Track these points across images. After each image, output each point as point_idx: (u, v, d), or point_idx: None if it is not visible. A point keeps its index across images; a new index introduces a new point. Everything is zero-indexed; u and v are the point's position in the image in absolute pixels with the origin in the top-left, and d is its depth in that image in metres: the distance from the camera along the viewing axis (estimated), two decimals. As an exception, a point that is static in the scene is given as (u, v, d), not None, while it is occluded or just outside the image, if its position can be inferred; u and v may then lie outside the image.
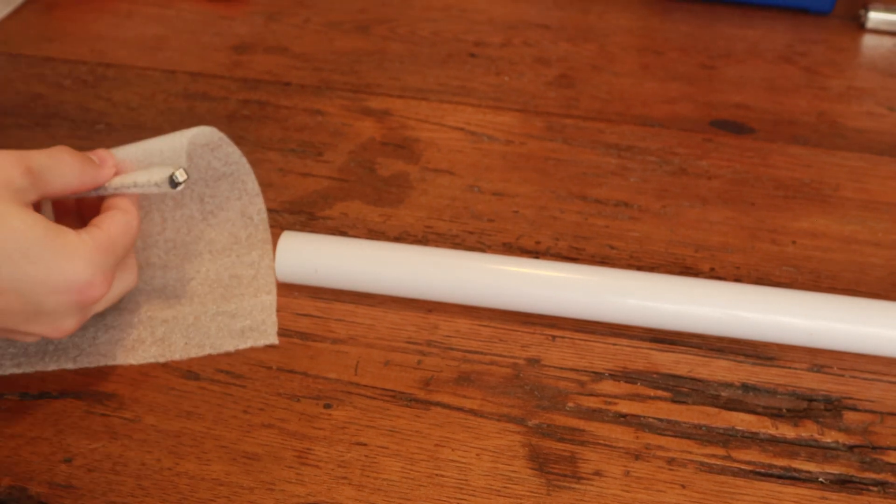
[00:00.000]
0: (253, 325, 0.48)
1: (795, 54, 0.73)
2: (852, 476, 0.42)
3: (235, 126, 0.63)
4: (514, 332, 0.48)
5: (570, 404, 0.45)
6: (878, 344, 0.46)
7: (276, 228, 0.54)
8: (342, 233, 0.54)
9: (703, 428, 0.44)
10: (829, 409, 0.45)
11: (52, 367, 0.45)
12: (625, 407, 0.45)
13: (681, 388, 0.46)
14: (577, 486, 0.41)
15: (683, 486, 0.41)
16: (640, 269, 0.52)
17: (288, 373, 0.46)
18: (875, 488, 0.41)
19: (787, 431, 0.44)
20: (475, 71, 0.70)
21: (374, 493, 0.41)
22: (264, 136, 0.62)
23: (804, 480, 0.42)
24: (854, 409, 0.45)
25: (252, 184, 0.50)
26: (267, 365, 0.46)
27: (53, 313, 0.40)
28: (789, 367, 0.47)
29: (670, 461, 0.42)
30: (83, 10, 0.77)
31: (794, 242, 0.54)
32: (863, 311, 0.46)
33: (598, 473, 0.42)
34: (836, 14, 0.78)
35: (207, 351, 0.46)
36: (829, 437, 0.43)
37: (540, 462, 0.42)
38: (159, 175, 0.44)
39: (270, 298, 0.49)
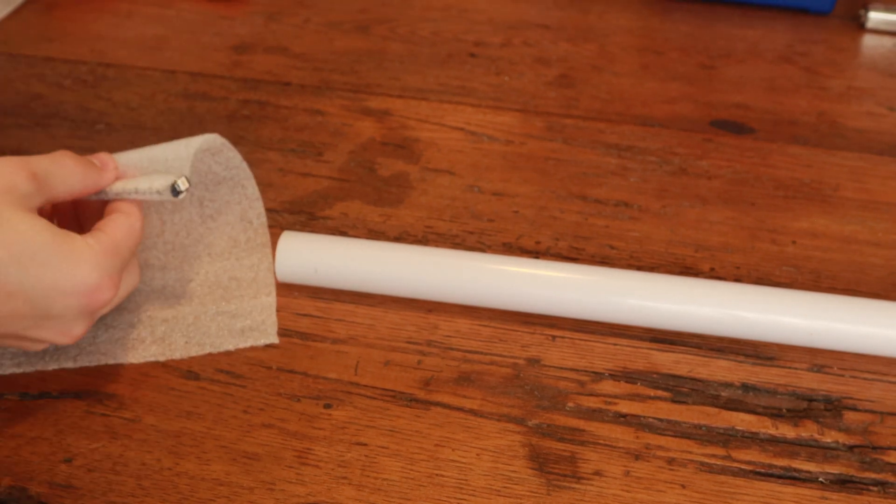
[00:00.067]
0: (253, 324, 0.48)
1: (795, 54, 0.73)
2: (852, 476, 0.42)
3: (235, 126, 0.63)
4: (514, 332, 0.48)
5: (570, 404, 0.45)
6: (878, 344, 0.46)
7: (276, 228, 0.54)
8: (342, 233, 0.54)
9: (703, 428, 0.44)
10: (829, 409, 0.45)
11: (52, 366, 0.45)
12: (625, 407, 0.45)
13: (681, 388, 0.46)
14: (577, 486, 0.41)
15: (683, 486, 0.41)
16: (640, 269, 0.52)
17: (288, 373, 0.46)
18: (875, 488, 0.41)
19: (787, 431, 0.44)
20: (475, 71, 0.70)
21: (374, 493, 0.41)
22: (264, 136, 0.62)
23: (804, 480, 0.42)
24: (854, 409, 0.45)
25: (252, 188, 0.50)
26: (267, 365, 0.46)
27: (62, 318, 0.40)
28: (789, 367, 0.47)
29: (670, 461, 0.42)
30: (83, 10, 0.77)
31: (794, 242, 0.54)
32: (863, 311, 0.46)
33: (598, 473, 0.42)
34: (836, 14, 0.78)
35: (208, 350, 0.46)
36: (829, 437, 0.43)
37: (540, 462, 0.42)
38: (161, 182, 0.44)
39: (270, 300, 0.49)
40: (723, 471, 0.42)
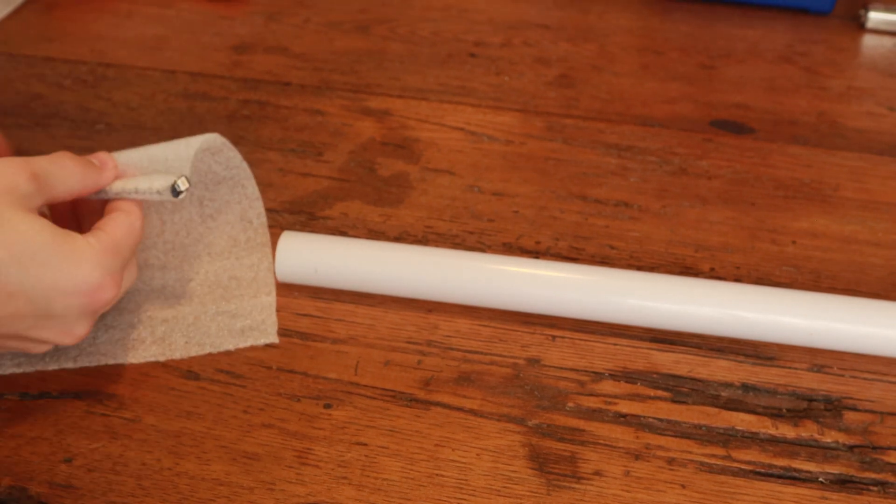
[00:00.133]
0: (253, 324, 0.48)
1: (795, 54, 0.73)
2: (852, 476, 0.42)
3: (235, 126, 0.63)
4: (514, 332, 0.48)
5: (570, 404, 0.45)
6: (878, 344, 0.46)
7: (276, 228, 0.54)
8: (342, 233, 0.54)
9: (703, 428, 0.44)
10: (829, 409, 0.45)
11: (52, 366, 0.45)
12: (625, 407, 0.45)
13: (681, 388, 0.46)
14: (577, 486, 0.41)
15: (683, 486, 0.41)
16: (640, 269, 0.52)
17: (288, 373, 0.46)
18: (875, 488, 0.41)
19: (787, 431, 0.44)
20: (475, 71, 0.70)
21: (374, 493, 0.41)
22: (264, 136, 0.62)
23: (804, 480, 0.42)
24: (854, 409, 0.45)
25: (252, 188, 0.50)
26: (267, 365, 0.46)
27: (63, 318, 0.40)
28: (789, 367, 0.47)
29: (670, 461, 0.42)
30: (83, 10, 0.77)
31: (794, 242, 0.54)
32: (863, 311, 0.46)
33: (598, 473, 0.42)
34: (836, 14, 0.78)
35: (208, 350, 0.46)
36: (829, 437, 0.43)
37: (540, 462, 0.42)
38: (161, 182, 0.44)
39: (270, 300, 0.49)
40: (723, 471, 0.42)
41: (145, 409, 0.44)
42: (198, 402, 0.44)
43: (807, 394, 0.45)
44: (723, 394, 0.45)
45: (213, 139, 0.46)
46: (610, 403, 0.45)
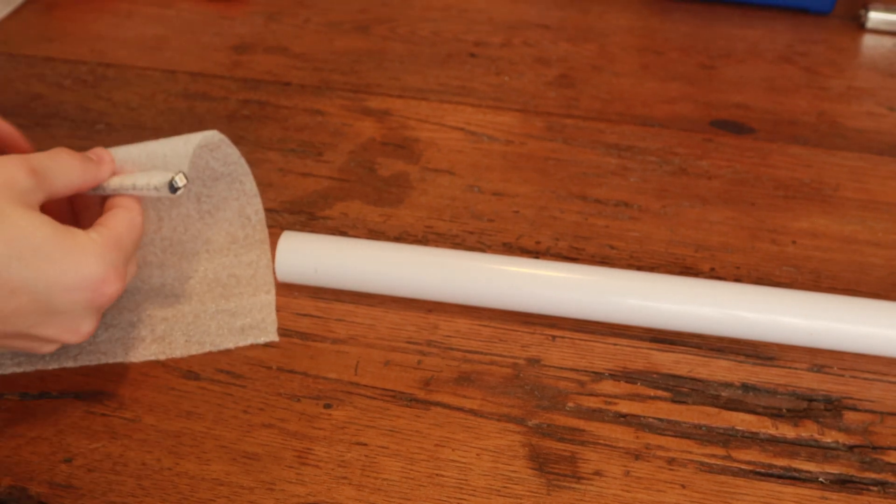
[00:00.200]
0: (253, 322, 0.48)
1: (795, 54, 0.73)
2: (852, 476, 0.42)
3: (235, 126, 0.63)
4: (514, 332, 0.48)
5: (570, 404, 0.45)
6: (878, 344, 0.46)
7: (276, 228, 0.54)
8: (342, 233, 0.54)
9: (703, 428, 0.44)
10: (829, 409, 0.45)
11: (52, 366, 0.45)
12: (625, 407, 0.45)
13: (681, 388, 0.46)
14: (577, 486, 0.41)
15: (683, 486, 0.41)
16: (640, 269, 0.52)
17: (288, 373, 0.46)
18: (875, 488, 0.41)
19: (787, 431, 0.44)
20: (475, 71, 0.70)
21: (374, 493, 0.41)
22: (264, 136, 0.62)
23: (804, 480, 0.42)
24: (854, 409, 0.45)
25: (250, 184, 0.50)
26: (267, 365, 0.46)
27: (68, 313, 0.40)
28: (789, 367, 0.47)
29: (670, 461, 0.42)
30: (83, 10, 0.77)
31: (794, 242, 0.54)
32: (863, 311, 0.46)
33: (598, 473, 0.42)
34: (836, 14, 0.78)
35: (208, 348, 0.46)
36: (829, 437, 0.43)
37: (540, 462, 0.42)
38: (159, 179, 0.44)
39: (269, 297, 0.49)
40: (723, 471, 0.42)
41: (145, 409, 0.44)
42: (198, 402, 0.44)
43: (807, 394, 0.45)
44: (723, 394, 0.45)
45: (211, 136, 0.46)
46: (610, 403, 0.45)
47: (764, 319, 0.46)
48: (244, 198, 0.50)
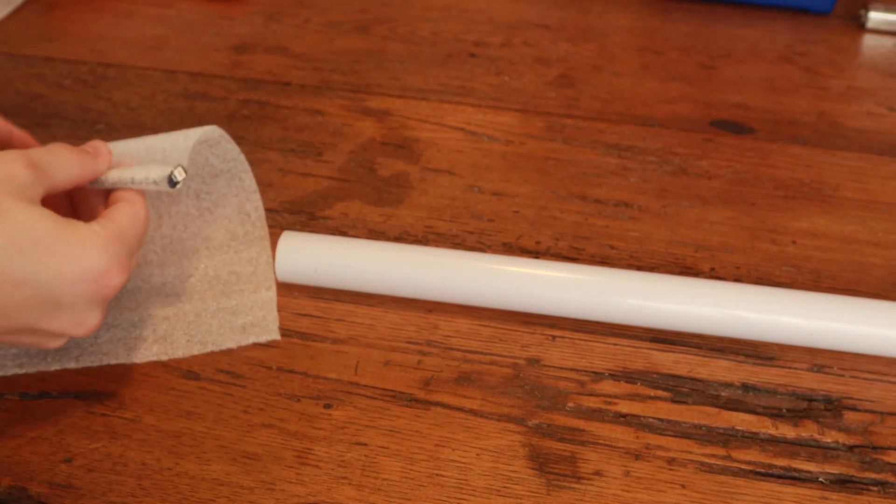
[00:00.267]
0: (254, 321, 0.48)
1: (795, 54, 0.73)
2: (852, 476, 0.42)
3: (235, 126, 0.63)
4: (514, 332, 0.48)
5: (570, 404, 0.45)
6: (878, 344, 0.46)
7: (276, 228, 0.54)
8: (342, 233, 0.54)
9: (703, 428, 0.44)
10: (829, 409, 0.45)
11: (54, 367, 0.45)
12: (625, 407, 0.45)
13: (681, 388, 0.46)
14: (577, 486, 0.41)
15: (683, 486, 0.41)
16: (640, 269, 0.52)
17: (288, 373, 0.46)
18: (875, 488, 0.41)
19: (787, 431, 0.44)
20: (475, 71, 0.70)
21: (374, 493, 0.41)
22: (264, 136, 0.62)
23: (804, 480, 0.42)
24: (854, 409, 0.45)
25: (249, 181, 0.50)
26: (267, 365, 0.46)
27: (72, 306, 0.40)
28: (789, 367, 0.47)
29: (670, 461, 0.42)
30: (83, 10, 0.77)
31: (794, 242, 0.54)
32: (863, 311, 0.46)
33: (598, 473, 0.42)
34: (836, 14, 0.78)
35: (210, 348, 0.46)
36: (829, 437, 0.43)
37: (540, 462, 0.42)
38: (157, 172, 0.43)
39: (270, 294, 0.49)
40: (723, 471, 0.42)
41: (145, 409, 0.44)
42: (198, 402, 0.44)
43: (807, 394, 0.45)
44: (723, 394, 0.45)
45: (211, 131, 0.46)
46: (610, 403, 0.45)
47: (764, 319, 0.46)
48: (243, 194, 0.50)
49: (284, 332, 0.48)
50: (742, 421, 0.44)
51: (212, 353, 0.47)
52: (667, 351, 0.47)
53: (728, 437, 0.43)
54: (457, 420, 0.44)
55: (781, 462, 0.42)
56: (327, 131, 0.63)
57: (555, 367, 0.47)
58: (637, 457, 0.42)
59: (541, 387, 0.46)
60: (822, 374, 0.46)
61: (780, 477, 0.42)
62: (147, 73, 0.68)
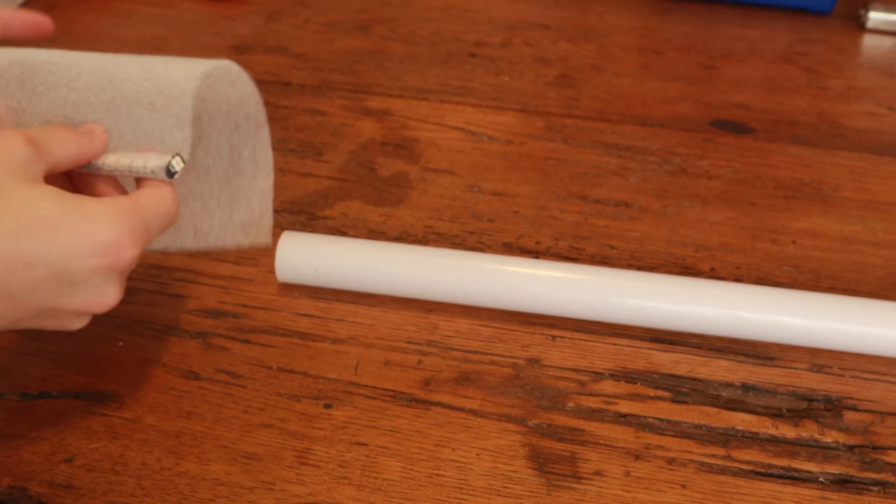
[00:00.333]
0: (251, 218, 0.46)
1: (795, 54, 0.73)
2: (852, 476, 0.42)
3: (235, 126, 0.63)
4: (514, 332, 0.48)
5: (570, 404, 0.45)
6: (878, 344, 0.46)
7: (276, 228, 0.54)
8: (342, 233, 0.54)
9: (703, 428, 0.44)
10: (829, 409, 0.45)
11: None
12: (625, 407, 0.45)
13: (681, 388, 0.46)
14: (577, 486, 0.41)
15: (683, 486, 0.41)
16: (640, 269, 0.52)
17: (288, 373, 0.46)
18: (875, 488, 0.41)
19: (787, 431, 0.44)
20: (475, 71, 0.70)
21: (374, 492, 0.41)
22: (264, 136, 0.62)
23: (804, 480, 0.42)
24: (854, 409, 0.45)
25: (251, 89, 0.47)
26: (267, 365, 0.46)
27: (88, 282, 0.39)
28: (789, 367, 0.47)
29: (670, 461, 0.42)
30: (83, 10, 0.77)
31: (794, 242, 0.54)
32: (863, 311, 0.46)
33: (598, 473, 0.42)
34: (836, 14, 0.78)
35: (212, 243, 0.45)
36: (830, 437, 0.43)
37: (540, 462, 0.42)
38: (155, 162, 0.42)
39: (268, 184, 0.47)
40: (723, 471, 0.42)
41: (145, 409, 0.44)
42: (198, 402, 0.44)
43: (807, 394, 0.45)
44: (723, 394, 0.45)
45: (226, 68, 0.44)
46: (610, 403, 0.45)
47: (764, 319, 0.46)
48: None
49: (284, 332, 0.48)
50: (742, 421, 0.44)
51: (212, 353, 0.47)
52: (667, 351, 0.47)
53: (728, 437, 0.43)
54: (457, 420, 0.44)
55: (781, 462, 0.42)
56: (327, 131, 0.63)
57: (555, 367, 0.47)
58: (637, 457, 0.42)
59: (541, 387, 0.46)
60: (822, 374, 0.46)
61: (780, 477, 0.42)
62: (147, 73, 0.68)
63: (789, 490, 0.41)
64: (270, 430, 0.43)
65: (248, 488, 0.41)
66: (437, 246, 0.53)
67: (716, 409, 0.45)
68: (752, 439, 0.43)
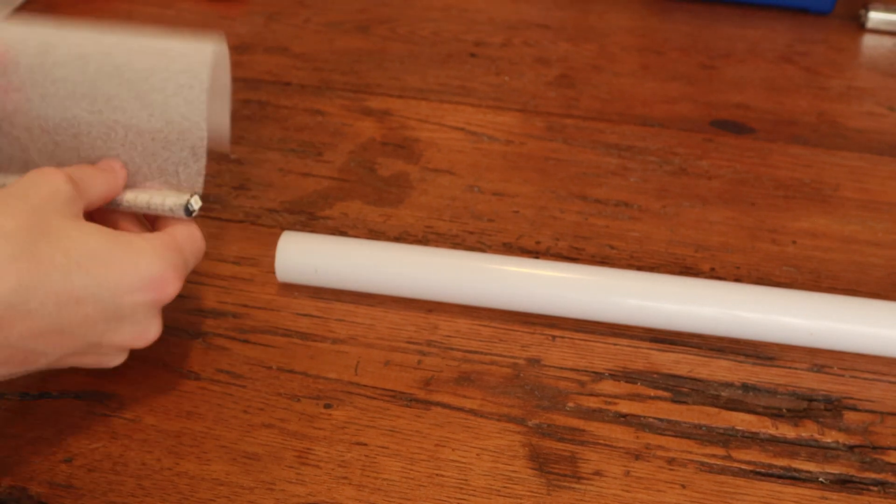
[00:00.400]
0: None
1: (795, 54, 0.73)
2: (852, 476, 0.42)
3: (235, 126, 0.63)
4: (514, 332, 0.48)
5: (570, 404, 0.45)
6: (878, 344, 0.46)
7: (276, 228, 0.54)
8: (342, 233, 0.54)
9: (703, 428, 0.44)
10: (829, 409, 0.45)
11: None
12: (625, 407, 0.45)
13: (681, 388, 0.46)
14: (577, 486, 0.41)
15: (683, 486, 0.41)
16: (640, 269, 0.52)
17: (288, 373, 0.46)
18: (875, 488, 0.41)
19: (787, 431, 0.44)
20: (475, 71, 0.70)
21: (374, 493, 0.41)
22: (264, 136, 0.62)
23: (804, 480, 0.42)
24: (854, 409, 0.45)
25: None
26: (267, 365, 0.46)
27: (133, 316, 0.40)
28: (789, 367, 0.47)
29: (670, 461, 0.42)
30: (83, 10, 0.77)
31: (794, 242, 0.54)
32: (863, 311, 0.46)
33: (598, 473, 0.42)
34: (836, 14, 0.78)
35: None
36: (830, 437, 0.43)
37: (540, 462, 0.42)
38: (173, 200, 0.43)
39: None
40: (723, 471, 0.42)
41: (145, 409, 0.44)
42: (198, 402, 0.44)
43: (807, 394, 0.45)
44: (723, 394, 0.45)
45: (214, 62, 0.43)
46: (610, 403, 0.45)
47: (764, 319, 0.46)
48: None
49: (285, 332, 0.48)
50: (742, 421, 0.44)
51: (212, 353, 0.47)
52: (667, 351, 0.47)
53: (728, 437, 0.43)
54: (457, 420, 0.44)
55: (781, 462, 0.42)
56: (327, 131, 0.63)
57: (555, 367, 0.47)
58: (637, 457, 0.42)
59: (541, 387, 0.46)
60: (822, 374, 0.46)
61: (780, 477, 0.42)
62: (147, 73, 0.68)
63: (789, 490, 0.41)
64: (270, 430, 0.43)
65: (248, 488, 0.41)
66: (437, 246, 0.53)
67: (716, 409, 0.45)
68: (752, 439, 0.43)
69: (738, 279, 0.52)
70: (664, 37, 0.75)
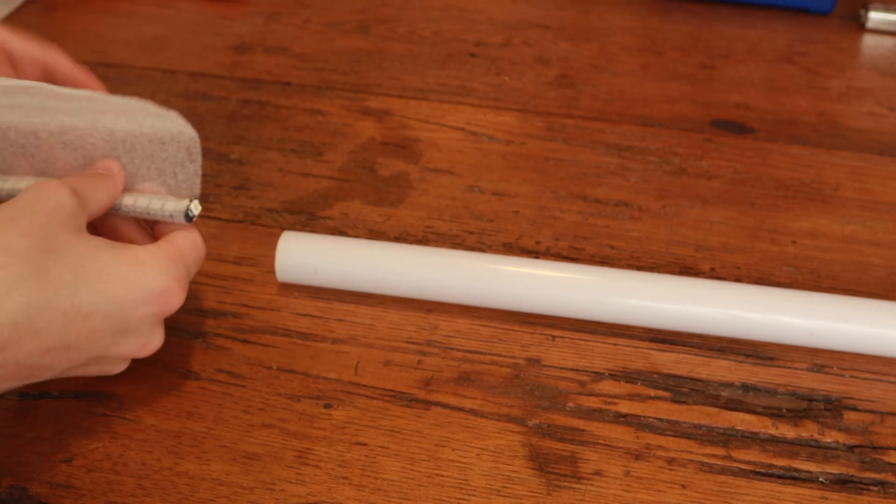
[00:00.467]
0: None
1: (795, 54, 0.73)
2: (852, 476, 0.42)
3: (235, 126, 0.63)
4: (514, 332, 0.48)
5: (570, 404, 0.45)
6: (878, 344, 0.46)
7: (276, 228, 0.54)
8: (342, 233, 0.54)
9: (703, 428, 0.44)
10: (829, 409, 0.45)
11: None
12: (625, 407, 0.45)
13: (681, 388, 0.46)
14: (577, 486, 0.41)
15: (683, 486, 0.41)
16: (640, 269, 0.52)
17: (288, 373, 0.46)
18: (875, 488, 0.41)
19: (787, 431, 0.44)
20: (475, 71, 0.70)
21: (374, 492, 0.41)
22: (264, 136, 0.62)
23: (804, 480, 0.42)
24: (854, 409, 0.45)
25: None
26: (267, 365, 0.46)
27: (139, 328, 0.40)
28: (789, 367, 0.47)
29: (670, 461, 0.42)
30: (83, 10, 0.77)
31: (794, 242, 0.54)
32: (863, 311, 0.46)
33: (598, 473, 0.42)
34: (836, 14, 0.78)
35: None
36: (830, 437, 0.43)
37: (540, 462, 0.42)
38: (173, 205, 0.43)
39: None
40: (723, 471, 0.42)
41: (145, 409, 0.44)
42: (198, 402, 0.44)
43: (807, 394, 0.45)
44: (723, 394, 0.45)
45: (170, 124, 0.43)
46: (610, 403, 0.45)
47: (764, 319, 0.46)
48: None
49: (285, 332, 0.48)
50: (742, 421, 0.44)
51: (212, 353, 0.47)
52: (667, 351, 0.47)
53: (728, 437, 0.43)
54: (457, 420, 0.44)
55: (781, 462, 0.42)
56: (327, 131, 0.63)
57: (555, 367, 0.47)
58: (637, 457, 0.42)
59: (541, 387, 0.46)
60: (822, 374, 0.46)
61: (780, 477, 0.42)
62: (147, 74, 0.68)
63: (789, 490, 0.41)
64: (270, 430, 0.43)
65: (248, 488, 0.41)
66: (437, 246, 0.53)
67: (716, 409, 0.45)
68: (752, 439, 0.43)
69: (738, 279, 0.52)
70: (664, 37, 0.75)
